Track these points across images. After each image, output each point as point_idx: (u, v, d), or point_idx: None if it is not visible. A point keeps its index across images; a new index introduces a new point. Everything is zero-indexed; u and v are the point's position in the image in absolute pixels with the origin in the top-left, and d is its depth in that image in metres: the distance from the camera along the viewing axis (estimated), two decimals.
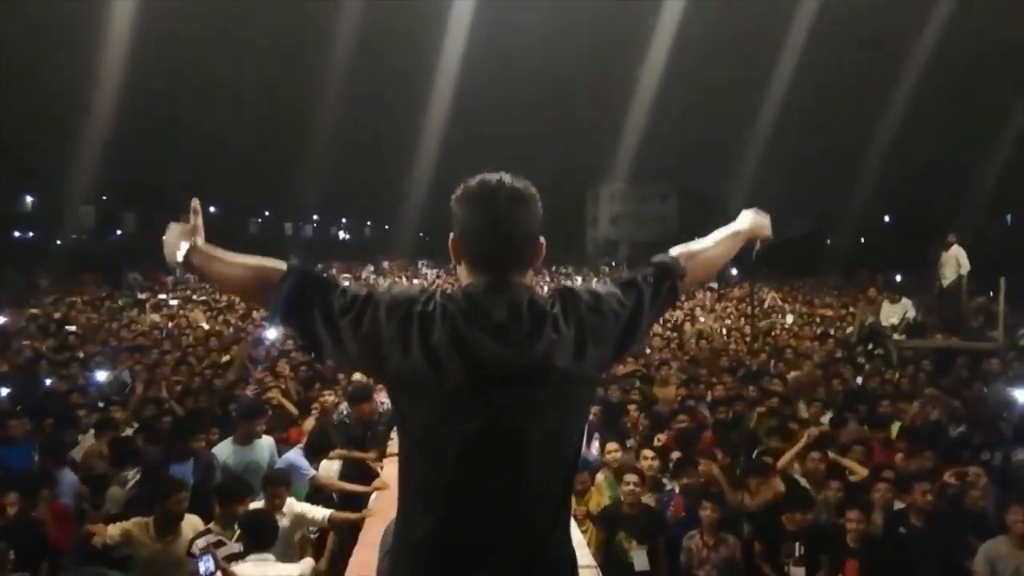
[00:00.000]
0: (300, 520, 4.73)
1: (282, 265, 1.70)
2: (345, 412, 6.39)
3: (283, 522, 4.55)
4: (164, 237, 1.90)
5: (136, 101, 32.87)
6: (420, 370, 1.50)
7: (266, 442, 5.77)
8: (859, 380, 9.36)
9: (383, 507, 4.75)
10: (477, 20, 31.91)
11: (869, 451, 6.34)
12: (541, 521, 1.58)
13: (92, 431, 6.26)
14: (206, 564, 4.04)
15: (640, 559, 4.94)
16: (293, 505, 4.74)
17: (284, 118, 58.87)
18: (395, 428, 1.66)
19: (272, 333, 12.03)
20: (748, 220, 2.20)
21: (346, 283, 1.68)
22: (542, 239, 1.68)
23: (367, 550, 3.89)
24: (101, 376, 7.61)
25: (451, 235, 1.66)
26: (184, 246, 1.83)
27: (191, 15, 40.97)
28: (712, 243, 2.05)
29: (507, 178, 1.62)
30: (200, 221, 1.88)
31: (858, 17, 39.12)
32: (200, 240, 1.84)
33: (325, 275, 1.71)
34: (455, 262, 1.70)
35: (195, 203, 1.94)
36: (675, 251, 1.94)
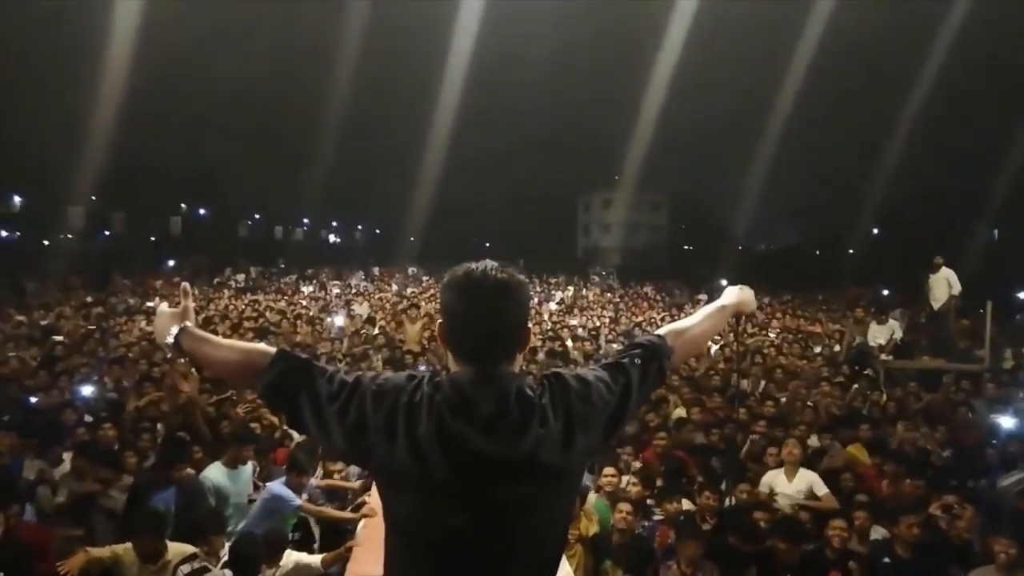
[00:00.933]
0: (300, 570, 4.70)
1: (270, 350, 1.72)
2: None
3: (283, 572, 4.55)
4: (154, 319, 1.96)
5: (127, 102, 32.63)
6: (406, 464, 1.50)
7: (249, 467, 5.76)
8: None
9: (371, 535, 4.72)
10: (471, 29, 31.96)
11: (858, 476, 6.39)
12: None
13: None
14: None
15: None
16: (291, 555, 4.73)
17: (275, 121, 58.79)
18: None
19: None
20: (733, 295, 2.22)
21: (332, 369, 1.68)
22: (530, 325, 1.68)
23: None
24: (87, 391, 7.54)
25: (438, 322, 1.66)
26: (174, 329, 1.86)
27: (183, 17, 40.85)
28: (699, 320, 2.07)
29: (492, 269, 1.61)
30: (190, 303, 1.93)
31: (854, 33, 39.45)
32: (190, 323, 1.88)
33: (311, 360, 1.71)
34: (442, 348, 1.70)
35: (185, 286, 1.99)
36: (663, 330, 1.96)
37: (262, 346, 1.77)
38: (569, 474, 1.61)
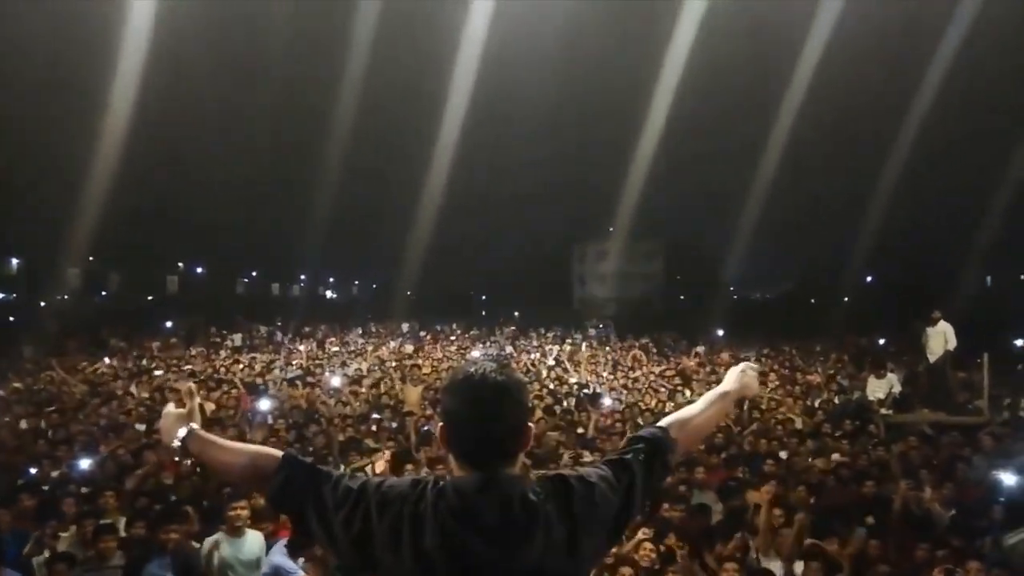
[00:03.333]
0: None
1: (276, 455, 1.75)
2: None
3: None
4: (161, 421, 1.97)
5: (125, 161, 33.00)
6: (411, 574, 1.51)
7: (256, 536, 5.71)
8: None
9: None
10: (464, 82, 32.45)
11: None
12: None
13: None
14: None
15: None
16: None
17: (271, 179, 59.35)
18: None
19: (265, 405, 11.90)
20: (735, 379, 2.22)
21: (337, 473, 1.70)
22: (531, 425, 1.69)
23: None
24: (85, 463, 7.48)
25: (440, 425, 1.68)
26: (182, 432, 1.89)
27: (176, 76, 41.47)
28: (702, 408, 2.08)
29: (491, 372, 1.63)
30: (196, 404, 1.96)
31: (845, 80, 40.24)
32: (196, 425, 1.91)
33: (316, 466, 1.73)
34: (444, 451, 1.71)
35: (191, 387, 2.02)
36: (666, 421, 1.97)
37: (269, 450, 1.80)
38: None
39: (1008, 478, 7.66)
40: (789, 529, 6.06)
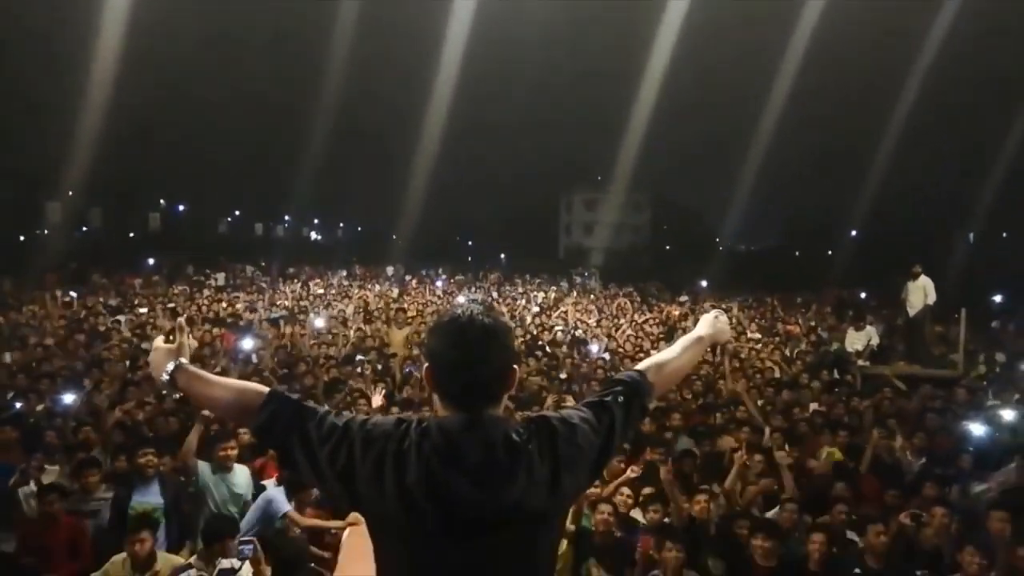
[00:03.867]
0: None
1: (262, 390, 1.76)
2: None
3: None
4: (151, 355, 1.98)
5: (105, 97, 32.28)
6: (394, 511, 1.54)
7: (243, 470, 5.80)
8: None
9: (356, 543, 4.75)
10: (457, 30, 31.89)
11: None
12: None
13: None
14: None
15: None
16: None
17: (257, 117, 58.36)
18: None
19: (247, 344, 11.92)
20: (708, 325, 2.27)
21: (322, 410, 1.71)
22: (516, 368, 1.70)
23: None
24: (69, 398, 7.49)
25: (425, 365, 1.69)
26: (170, 365, 1.90)
27: (164, 13, 40.39)
28: (678, 352, 2.11)
29: (478, 314, 1.63)
30: (186, 339, 1.96)
31: (840, 37, 39.84)
32: (185, 359, 1.92)
33: (302, 402, 1.74)
34: (429, 392, 1.72)
35: (180, 322, 2.03)
36: (643, 365, 2.01)
37: (255, 385, 1.81)
38: (554, 515, 1.67)
39: (977, 429, 7.87)
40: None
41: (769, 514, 5.78)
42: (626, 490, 5.76)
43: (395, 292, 22.07)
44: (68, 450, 6.27)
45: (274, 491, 5.41)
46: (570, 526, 5.36)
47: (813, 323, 17.54)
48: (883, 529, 5.06)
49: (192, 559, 4.43)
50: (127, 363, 9.98)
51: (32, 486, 5.62)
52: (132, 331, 12.70)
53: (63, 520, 4.98)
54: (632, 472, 6.20)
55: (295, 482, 5.53)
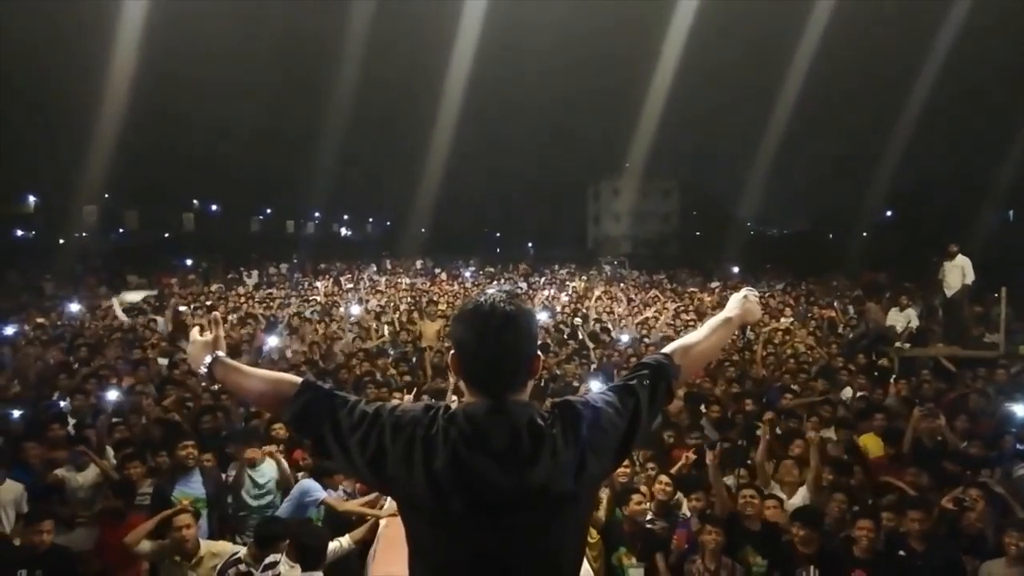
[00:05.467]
0: (338, 555, 4.81)
1: (296, 381, 1.83)
2: None
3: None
4: (188, 348, 2.07)
5: (139, 99, 32.94)
6: (424, 495, 1.58)
7: (269, 462, 5.91)
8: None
9: (393, 535, 4.78)
10: (479, 20, 31.86)
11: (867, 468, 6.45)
12: None
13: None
14: None
15: None
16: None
17: (287, 116, 58.89)
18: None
19: (274, 340, 12.05)
20: (737, 305, 2.24)
21: (353, 398, 1.76)
22: (539, 353, 1.73)
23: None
24: (112, 395, 7.67)
25: (451, 352, 1.72)
26: (208, 359, 1.98)
27: (195, 14, 40.94)
28: (706, 335, 2.10)
29: (500, 301, 1.66)
30: (221, 332, 2.03)
31: (866, 20, 39.10)
32: (222, 352, 1.99)
33: (334, 391, 1.80)
34: (455, 378, 1.77)
35: (216, 315, 2.09)
36: (670, 348, 2.00)
37: (289, 376, 1.87)
38: (582, 497, 1.69)
39: (1020, 410, 7.70)
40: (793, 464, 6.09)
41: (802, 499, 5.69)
42: (664, 478, 5.72)
43: (425, 285, 22.19)
44: (113, 446, 6.40)
45: (308, 482, 5.49)
46: (601, 516, 5.37)
47: (848, 306, 17.25)
48: (921, 516, 4.98)
49: (241, 553, 4.51)
50: (166, 361, 10.18)
51: (77, 478, 5.78)
52: (172, 329, 12.94)
53: (130, 517, 5.09)
54: (688, 460, 6.17)
55: (324, 468, 5.64)
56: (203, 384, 7.51)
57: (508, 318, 1.63)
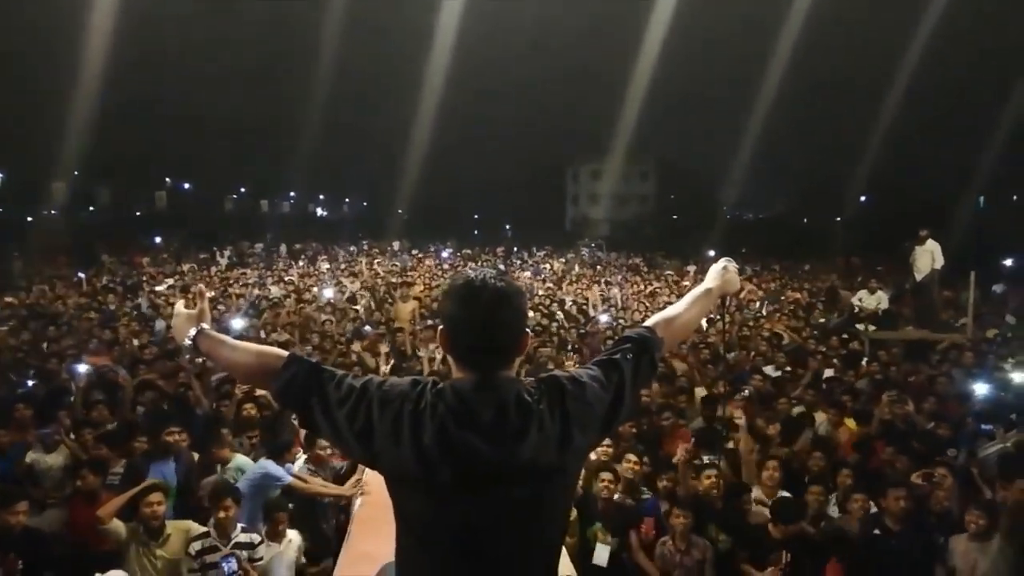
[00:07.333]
0: None
1: (282, 354, 1.80)
2: None
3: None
4: (172, 320, 2.05)
5: (109, 76, 32.21)
6: (411, 469, 1.58)
7: (242, 458, 5.87)
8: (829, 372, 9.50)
9: (369, 515, 4.76)
10: (457, 1, 31.54)
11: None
12: None
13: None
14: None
15: (601, 554, 5.08)
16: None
17: (262, 94, 58.04)
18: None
19: (238, 323, 11.86)
20: (716, 276, 2.25)
21: (340, 372, 1.75)
22: (528, 331, 1.73)
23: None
24: (80, 372, 7.51)
25: (440, 328, 1.72)
26: (192, 331, 1.95)
27: None
28: (686, 306, 2.12)
29: (491, 278, 1.66)
30: (206, 305, 2.00)
31: (846, 6, 39.27)
32: (206, 325, 1.96)
33: (320, 364, 1.78)
34: (444, 353, 1.76)
35: (201, 288, 2.05)
36: (652, 321, 2.01)
37: (275, 349, 1.85)
38: (567, 471, 1.70)
39: (981, 390, 7.87)
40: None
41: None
42: (632, 457, 5.77)
43: (401, 265, 22.09)
44: (78, 427, 6.29)
45: (270, 464, 5.43)
46: (578, 490, 5.40)
47: (819, 289, 17.48)
48: (903, 495, 5.08)
49: (208, 529, 4.50)
50: (137, 342, 10.05)
51: (47, 459, 5.70)
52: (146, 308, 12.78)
53: (102, 496, 5.01)
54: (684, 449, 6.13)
55: (274, 446, 5.65)
56: (187, 357, 7.39)
57: (500, 294, 1.64)
